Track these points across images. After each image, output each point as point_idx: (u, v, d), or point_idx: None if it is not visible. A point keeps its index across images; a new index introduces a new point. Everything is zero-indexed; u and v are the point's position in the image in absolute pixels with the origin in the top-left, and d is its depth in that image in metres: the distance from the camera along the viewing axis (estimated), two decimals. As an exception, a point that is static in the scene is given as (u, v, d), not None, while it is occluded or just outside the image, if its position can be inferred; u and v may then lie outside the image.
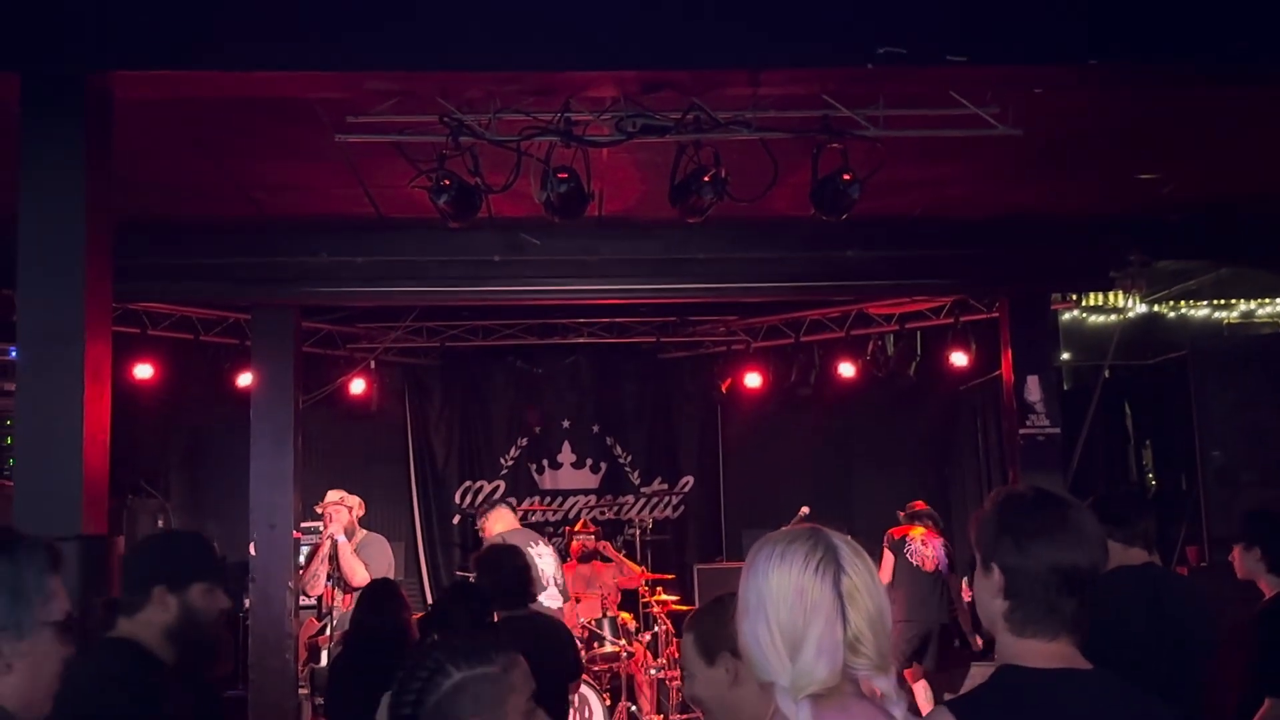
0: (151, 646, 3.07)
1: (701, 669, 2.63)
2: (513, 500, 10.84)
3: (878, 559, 8.86)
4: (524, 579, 5.13)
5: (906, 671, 8.82)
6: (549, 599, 7.39)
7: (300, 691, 7.97)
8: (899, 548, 9.08)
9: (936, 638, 9.01)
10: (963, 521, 10.95)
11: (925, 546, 9.06)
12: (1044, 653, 2.16)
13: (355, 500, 7.94)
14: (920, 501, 9.56)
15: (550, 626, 5.51)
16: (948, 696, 8.60)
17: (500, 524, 7.76)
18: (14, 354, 5.73)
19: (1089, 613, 2.18)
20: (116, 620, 3.13)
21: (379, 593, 5.19)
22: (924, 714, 2.25)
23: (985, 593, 2.24)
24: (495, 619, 4.52)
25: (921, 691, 8.80)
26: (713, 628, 2.63)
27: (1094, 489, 8.16)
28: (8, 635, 2.00)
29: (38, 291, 4.39)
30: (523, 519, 10.99)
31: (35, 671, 2.03)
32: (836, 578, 1.92)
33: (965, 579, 10.18)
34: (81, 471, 4.26)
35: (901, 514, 9.50)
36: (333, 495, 7.92)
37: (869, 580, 1.96)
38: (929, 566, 9.00)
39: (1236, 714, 4.39)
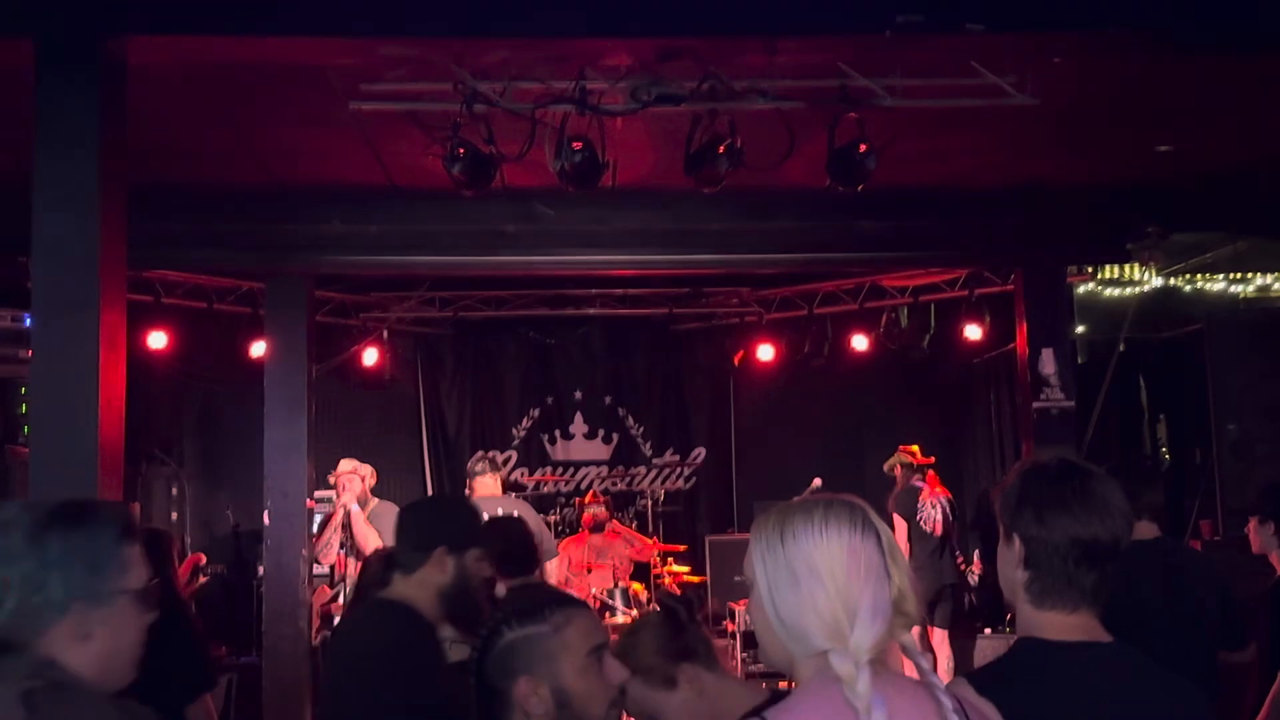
0: (423, 608, 3.09)
1: (665, 699, 2.60)
2: (495, 458, 10.78)
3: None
4: (530, 546, 5.15)
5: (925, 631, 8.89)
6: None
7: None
8: (911, 513, 9.12)
9: (950, 598, 9.13)
10: (975, 494, 10.94)
11: (934, 509, 9.13)
12: (1064, 625, 2.15)
13: (368, 469, 7.96)
14: (915, 449, 9.53)
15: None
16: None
17: (482, 489, 7.74)
18: (29, 321, 5.73)
19: (1109, 585, 2.16)
20: (392, 577, 3.16)
21: (383, 561, 5.20)
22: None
23: (1007, 563, 2.23)
24: (501, 590, 4.51)
25: (944, 662, 8.84)
26: (657, 655, 2.61)
27: (1108, 462, 8.14)
28: (85, 604, 2.00)
29: (52, 259, 4.38)
30: (534, 489, 11.05)
31: (114, 640, 2.04)
32: (878, 537, 1.90)
33: (976, 552, 10.21)
34: (97, 439, 4.27)
35: (908, 456, 9.47)
36: (345, 464, 7.95)
37: (893, 538, 1.95)
38: (938, 531, 9.07)
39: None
